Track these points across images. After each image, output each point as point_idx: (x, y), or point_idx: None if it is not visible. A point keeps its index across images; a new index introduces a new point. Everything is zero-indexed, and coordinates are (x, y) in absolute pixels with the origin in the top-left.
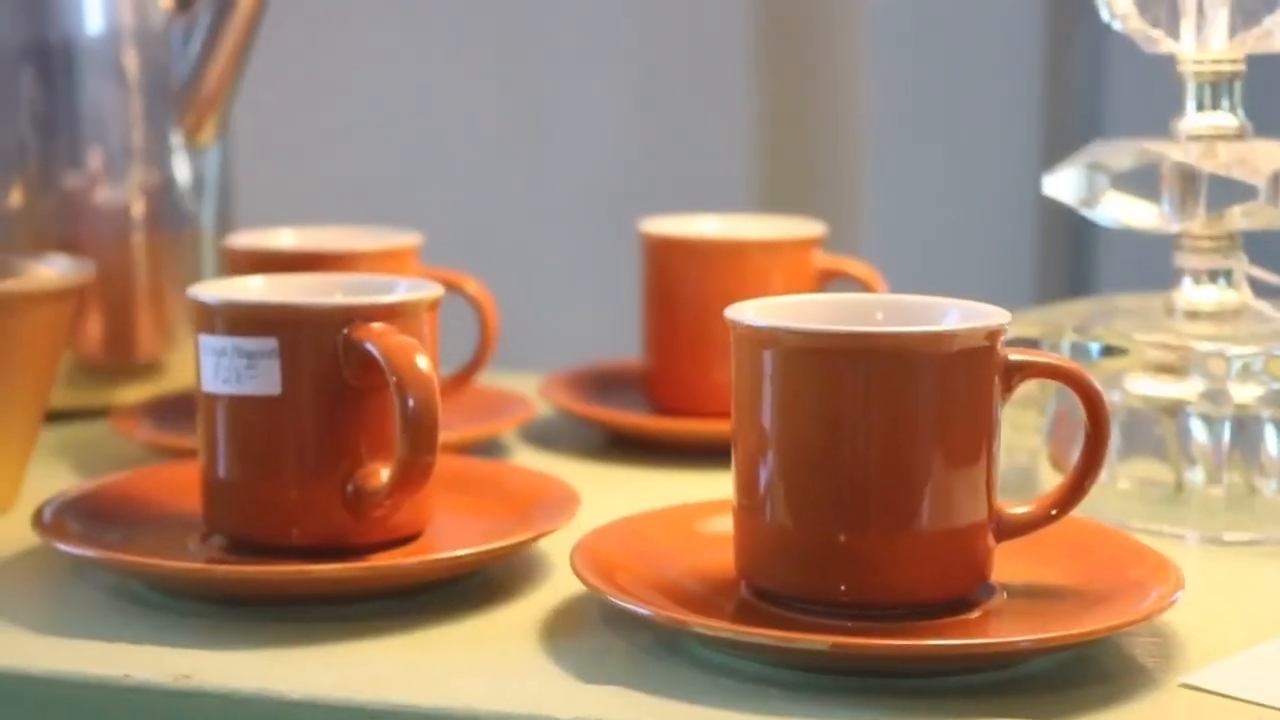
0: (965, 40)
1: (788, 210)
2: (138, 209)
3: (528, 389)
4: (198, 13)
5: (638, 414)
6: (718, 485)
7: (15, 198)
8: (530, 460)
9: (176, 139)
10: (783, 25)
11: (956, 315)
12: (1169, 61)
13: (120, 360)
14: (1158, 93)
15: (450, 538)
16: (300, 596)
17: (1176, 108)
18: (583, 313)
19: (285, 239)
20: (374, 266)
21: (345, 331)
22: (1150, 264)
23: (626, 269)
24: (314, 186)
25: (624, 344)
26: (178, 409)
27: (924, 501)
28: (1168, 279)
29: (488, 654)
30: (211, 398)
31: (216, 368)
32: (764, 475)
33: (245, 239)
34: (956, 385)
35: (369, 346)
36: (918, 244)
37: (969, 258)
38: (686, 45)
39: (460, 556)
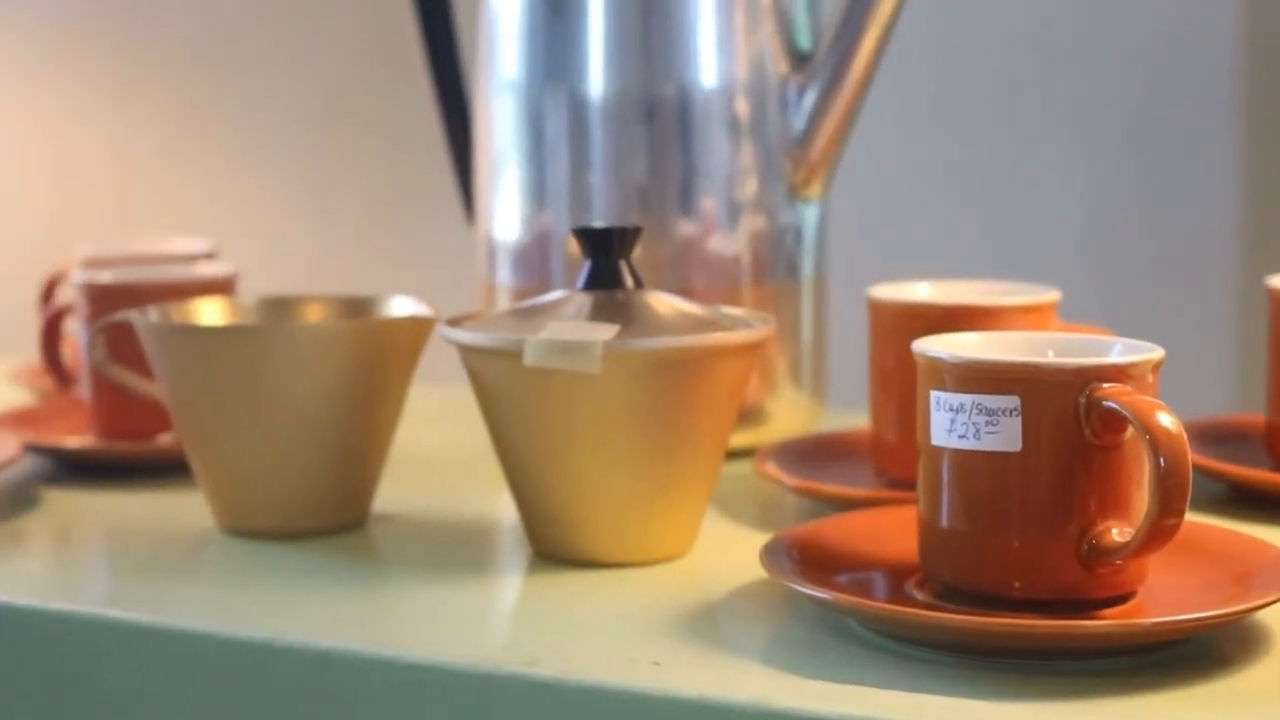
0: None
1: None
2: (747, 259)
3: None
4: (814, 71)
5: (1263, 470)
6: None
7: None
8: None
9: (782, 191)
10: (1274, 73)
11: None
12: None
13: None
14: None
15: (1167, 596)
16: (1026, 649)
17: None
18: None
19: (924, 292)
20: (1017, 321)
21: (1088, 391)
22: None
23: (1108, 319)
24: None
25: None
26: (798, 453)
27: None
28: None
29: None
30: (940, 451)
31: (952, 423)
32: None
33: (888, 291)
34: None
35: (1115, 405)
36: None
37: None
38: (1172, 94)
39: (1213, 617)
